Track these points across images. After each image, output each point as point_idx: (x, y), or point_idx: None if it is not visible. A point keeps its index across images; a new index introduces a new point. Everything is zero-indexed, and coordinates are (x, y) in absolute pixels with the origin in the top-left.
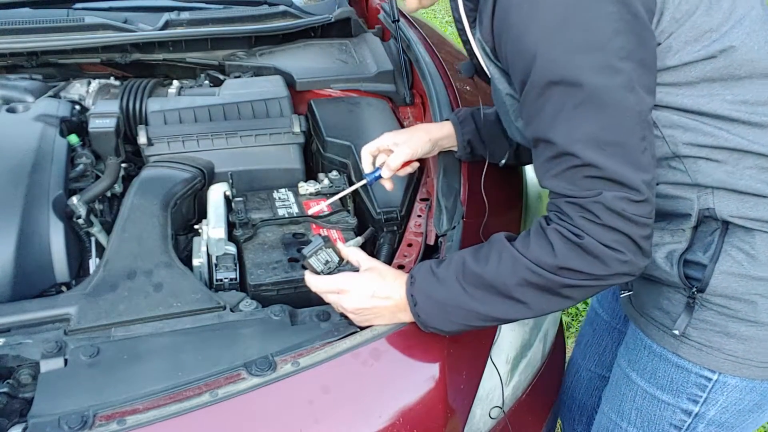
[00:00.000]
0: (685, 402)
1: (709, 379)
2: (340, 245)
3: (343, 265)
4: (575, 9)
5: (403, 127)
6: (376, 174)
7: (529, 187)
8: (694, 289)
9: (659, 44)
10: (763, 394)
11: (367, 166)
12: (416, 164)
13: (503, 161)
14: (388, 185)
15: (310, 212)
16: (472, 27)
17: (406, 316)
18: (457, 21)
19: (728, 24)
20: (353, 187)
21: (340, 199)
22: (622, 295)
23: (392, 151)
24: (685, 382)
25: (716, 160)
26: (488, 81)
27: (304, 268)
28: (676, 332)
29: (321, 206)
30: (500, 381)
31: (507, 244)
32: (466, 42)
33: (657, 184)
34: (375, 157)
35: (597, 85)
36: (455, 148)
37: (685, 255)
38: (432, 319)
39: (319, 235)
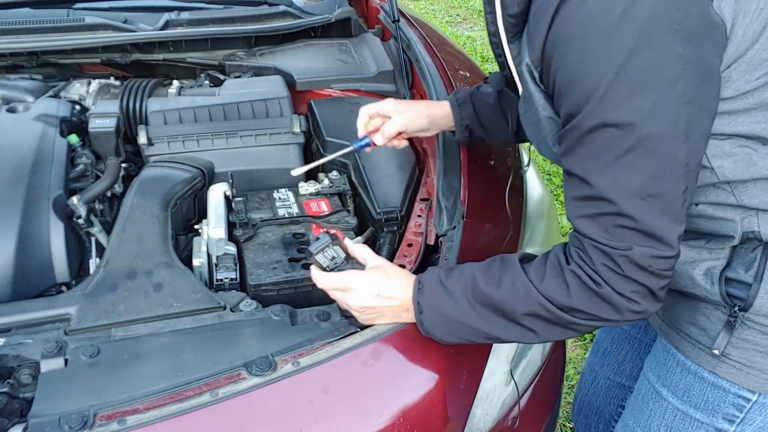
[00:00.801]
0: (720, 422)
1: (748, 400)
2: (347, 241)
3: (349, 262)
4: (642, 48)
5: None
6: (364, 142)
7: (529, 188)
8: (737, 308)
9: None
10: None
11: (361, 128)
12: (405, 142)
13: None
14: (379, 140)
15: (294, 172)
16: (510, 42)
17: (409, 317)
18: (493, 35)
19: None
20: (339, 153)
21: (340, 199)
22: None
23: (390, 118)
24: (721, 402)
25: (763, 184)
26: (518, 94)
27: (308, 266)
28: (716, 352)
29: (302, 168)
30: (517, 393)
31: (521, 271)
32: (500, 55)
33: (697, 204)
34: (372, 120)
35: (651, 131)
36: (453, 128)
37: (725, 272)
38: (435, 330)
39: (327, 232)
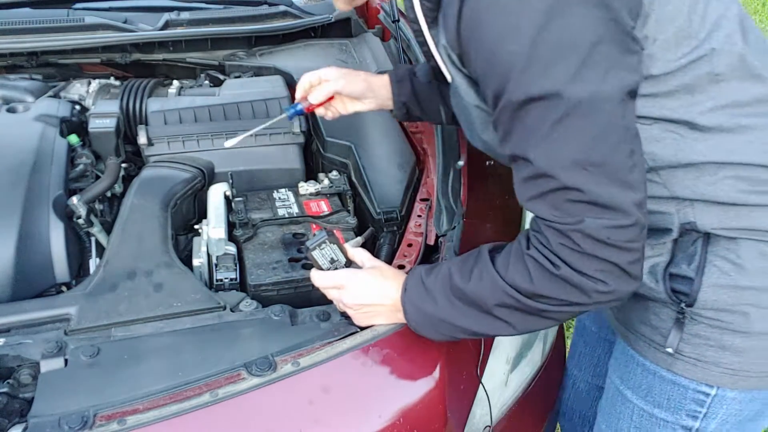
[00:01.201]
0: (685, 419)
1: (707, 394)
2: (346, 246)
3: (349, 266)
4: (554, 15)
5: (405, 130)
6: (297, 108)
7: None
8: (683, 304)
9: (643, 50)
10: (763, 402)
11: (299, 93)
12: (338, 113)
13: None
14: (315, 99)
15: (227, 143)
16: (430, 28)
17: (402, 317)
18: (413, 21)
19: (705, 29)
20: (272, 120)
21: (340, 199)
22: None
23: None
24: (682, 399)
25: (694, 172)
26: (447, 83)
27: (308, 266)
28: (670, 350)
29: (236, 139)
30: (488, 401)
31: (488, 262)
32: (423, 44)
33: None
34: (313, 87)
35: (579, 96)
36: (391, 105)
37: (669, 268)
38: (420, 328)
39: (323, 229)
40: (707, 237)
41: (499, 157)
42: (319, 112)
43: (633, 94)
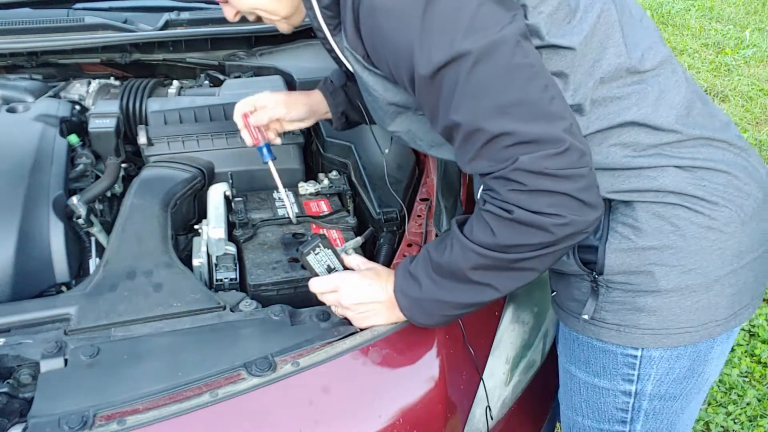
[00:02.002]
0: (622, 383)
1: (635, 357)
2: (342, 255)
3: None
4: None
5: None
6: (265, 150)
7: None
8: (594, 274)
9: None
10: (691, 358)
11: (239, 123)
12: (279, 140)
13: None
14: (248, 141)
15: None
16: (334, 34)
17: (401, 314)
18: (317, 30)
19: (581, 9)
20: (276, 176)
21: (340, 199)
22: (552, 295)
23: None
24: (615, 365)
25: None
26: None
27: (304, 267)
28: (585, 317)
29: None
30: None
31: (457, 230)
32: (330, 51)
33: None
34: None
35: (478, 49)
36: (330, 116)
37: None
38: (415, 316)
39: (317, 234)
40: (608, 207)
41: (419, 145)
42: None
43: (525, 36)
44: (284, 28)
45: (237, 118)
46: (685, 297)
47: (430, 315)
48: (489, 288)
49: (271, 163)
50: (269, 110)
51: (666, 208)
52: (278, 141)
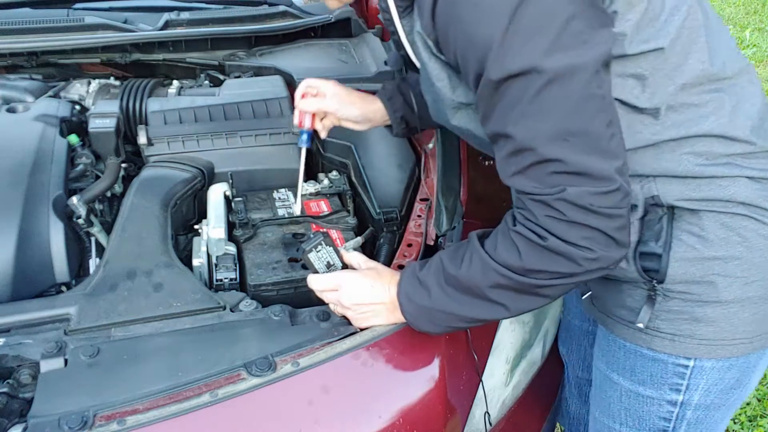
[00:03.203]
0: (669, 393)
1: (687, 367)
2: (342, 251)
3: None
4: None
5: None
6: (305, 137)
7: None
8: (654, 282)
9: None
10: (741, 369)
11: (297, 97)
12: (325, 132)
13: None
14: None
15: (296, 211)
16: (402, 17)
17: (402, 316)
18: (384, 11)
19: (665, 12)
20: (301, 169)
21: (340, 199)
22: (583, 297)
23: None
24: (664, 374)
25: (653, 151)
26: (418, 72)
27: (305, 267)
28: (641, 325)
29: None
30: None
31: (477, 245)
32: (393, 33)
33: None
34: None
35: (555, 69)
36: (388, 123)
37: (639, 248)
38: (418, 322)
39: (319, 231)
40: (672, 213)
41: (472, 141)
42: (318, 127)
43: (607, 64)
44: (333, 4)
45: (297, 94)
46: (744, 308)
47: (434, 324)
48: (502, 307)
49: (303, 150)
50: (321, 100)
51: (734, 218)
52: (323, 134)
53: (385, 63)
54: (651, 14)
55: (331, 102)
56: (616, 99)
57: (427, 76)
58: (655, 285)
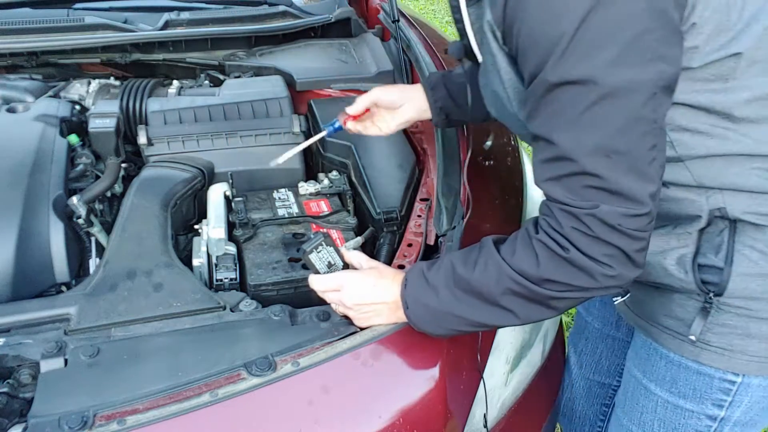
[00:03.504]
0: (710, 408)
1: (733, 383)
2: (343, 250)
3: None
4: (603, 1)
5: (404, 130)
6: (335, 125)
7: (528, 188)
8: (711, 294)
9: (684, 41)
10: None
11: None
12: (385, 125)
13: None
14: (351, 127)
15: (273, 163)
16: (469, 4)
17: (402, 315)
18: None
19: (743, 20)
20: (313, 139)
21: (340, 199)
22: (616, 301)
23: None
24: (708, 388)
25: (721, 162)
26: (477, 63)
27: (305, 267)
28: (692, 338)
29: (283, 156)
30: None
31: (494, 250)
32: (458, 21)
33: (670, 185)
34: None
35: (614, 85)
36: (427, 112)
37: (697, 259)
38: (422, 323)
39: (319, 231)
40: (734, 227)
41: (525, 138)
42: (357, 128)
43: (668, 89)
44: None
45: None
46: None
47: (438, 326)
48: (511, 315)
49: (323, 133)
50: (365, 96)
51: None
52: (370, 131)
53: (446, 51)
54: (727, 24)
55: (371, 93)
56: (690, 105)
57: (491, 68)
58: (711, 298)
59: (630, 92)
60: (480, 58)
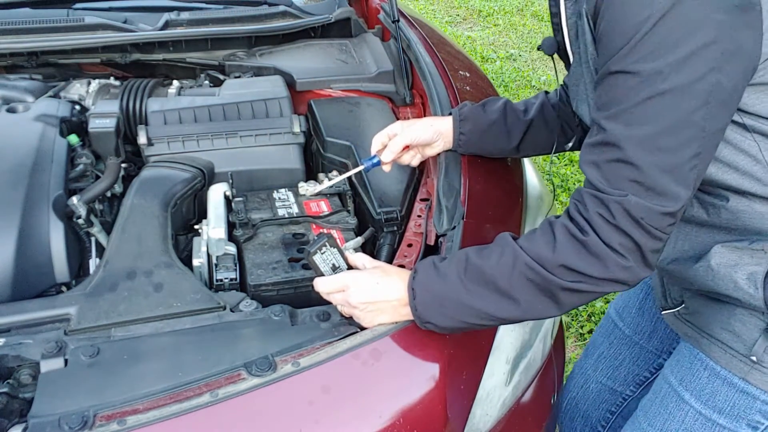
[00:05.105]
0: (744, 428)
1: None
2: (346, 253)
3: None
4: (684, 5)
5: None
6: (374, 161)
7: (529, 189)
8: None
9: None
10: None
11: (374, 151)
12: (418, 156)
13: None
14: (386, 168)
15: (302, 191)
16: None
17: (408, 312)
18: None
19: None
20: (349, 173)
21: (340, 199)
22: (665, 312)
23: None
24: (748, 408)
25: None
26: (568, 61)
27: (307, 267)
28: (754, 359)
29: (314, 189)
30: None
31: (510, 240)
32: (555, 14)
33: (747, 194)
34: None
35: (672, 85)
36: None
37: None
38: (428, 313)
39: (323, 232)
40: None
41: None
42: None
43: (724, 104)
44: None
45: (373, 149)
46: None
47: (444, 315)
48: (516, 306)
49: (361, 168)
50: (399, 138)
51: None
52: (408, 161)
53: (539, 48)
54: None
55: (404, 135)
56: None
57: (583, 61)
58: None
59: (686, 94)
60: (571, 54)
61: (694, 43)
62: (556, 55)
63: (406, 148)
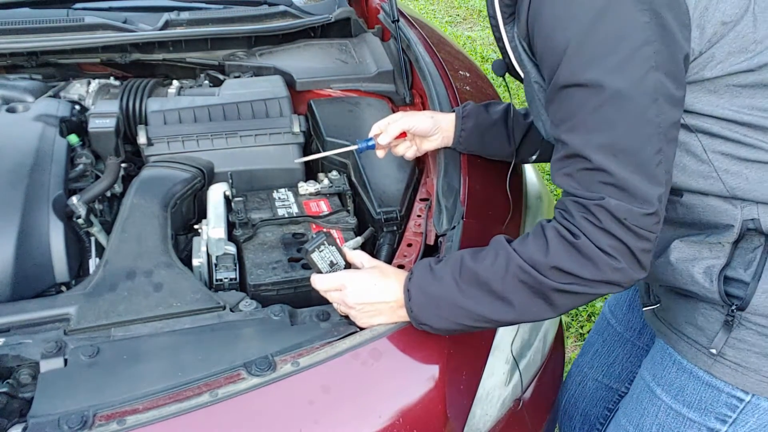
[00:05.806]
0: (713, 421)
1: (741, 400)
2: (345, 250)
3: (347, 268)
4: (608, 13)
5: None
6: (369, 143)
7: (528, 188)
8: (734, 307)
9: (701, 53)
10: None
11: (372, 135)
12: (414, 148)
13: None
14: (380, 154)
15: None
16: (506, 23)
17: (404, 314)
18: (492, 17)
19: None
20: (342, 150)
21: (340, 199)
22: (645, 309)
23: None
24: (714, 402)
25: (757, 174)
26: (521, 79)
27: (307, 267)
28: (713, 351)
29: (305, 159)
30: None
31: (505, 243)
32: (499, 39)
33: (703, 194)
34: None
35: (619, 89)
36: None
37: (725, 271)
38: (423, 314)
39: (321, 231)
40: (766, 244)
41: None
42: (385, 148)
43: (671, 99)
44: None
45: (372, 134)
46: None
47: (439, 316)
48: (510, 309)
49: (355, 147)
50: (397, 123)
51: None
52: (402, 152)
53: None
54: (751, 37)
55: (403, 120)
56: (734, 120)
57: (529, 81)
58: (734, 311)
59: (633, 96)
60: (521, 73)
61: (626, 47)
62: (508, 75)
63: (404, 135)
